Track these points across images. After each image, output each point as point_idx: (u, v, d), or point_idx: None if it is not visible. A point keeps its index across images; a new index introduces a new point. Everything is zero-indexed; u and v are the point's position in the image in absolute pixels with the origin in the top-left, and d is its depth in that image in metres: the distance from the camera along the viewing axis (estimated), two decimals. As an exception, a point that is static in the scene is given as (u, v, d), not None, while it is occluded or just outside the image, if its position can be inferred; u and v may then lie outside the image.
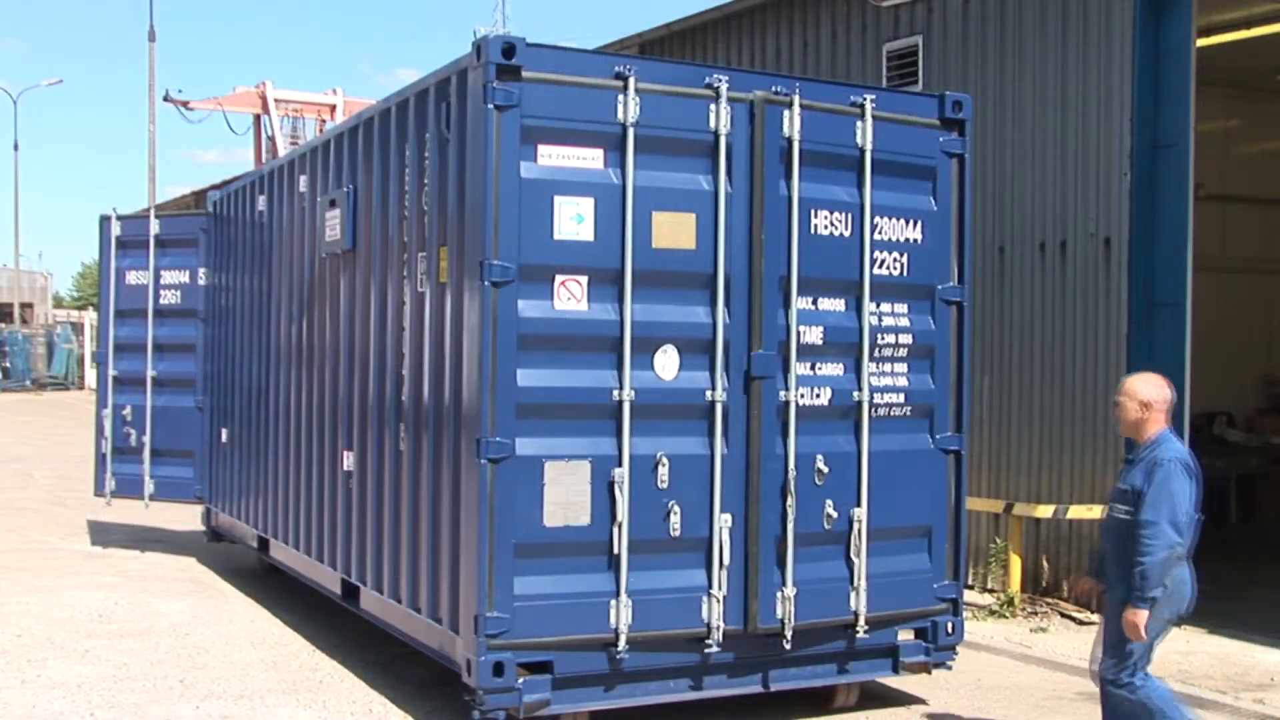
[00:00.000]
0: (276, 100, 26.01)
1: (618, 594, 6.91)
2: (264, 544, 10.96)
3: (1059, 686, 8.55)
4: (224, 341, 12.26)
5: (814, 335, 7.42)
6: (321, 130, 23.27)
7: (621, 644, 6.90)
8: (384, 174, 8.25)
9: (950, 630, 7.90)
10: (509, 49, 6.68)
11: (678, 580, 7.07)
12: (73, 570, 12.08)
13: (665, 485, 7.01)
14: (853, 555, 7.51)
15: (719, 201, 7.13)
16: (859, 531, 7.49)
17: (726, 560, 7.12)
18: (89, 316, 48.50)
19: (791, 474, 7.28)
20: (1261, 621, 10.22)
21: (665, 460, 7.01)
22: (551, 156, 6.83)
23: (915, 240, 7.77)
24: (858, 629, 7.50)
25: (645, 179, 6.98)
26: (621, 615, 6.90)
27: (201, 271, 12.90)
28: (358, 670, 8.60)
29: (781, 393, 7.30)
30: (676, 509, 7.03)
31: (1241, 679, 8.80)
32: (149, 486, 13.08)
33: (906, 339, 7.75)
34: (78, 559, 12.76)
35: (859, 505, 7.51)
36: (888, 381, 7.63)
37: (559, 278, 6.85)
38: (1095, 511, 10.42)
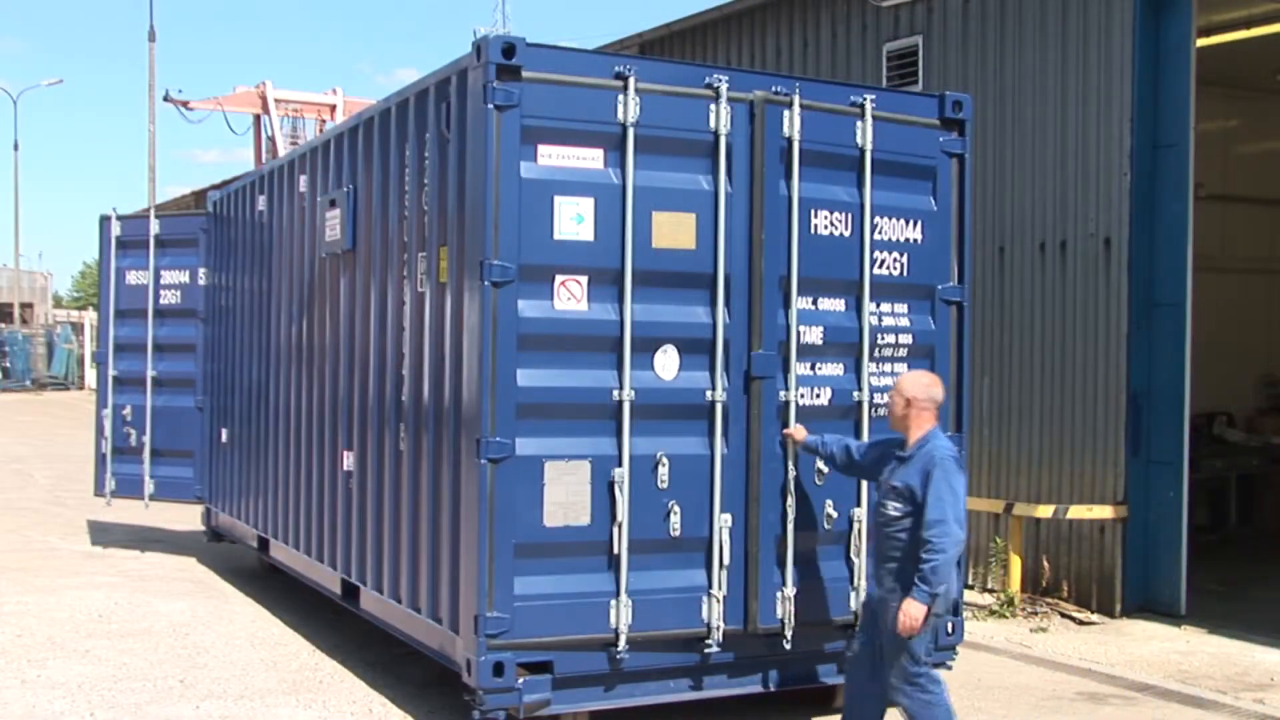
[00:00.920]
0: (276, 100, 26.02)
1: (618, 594, 6.91)
2: (264, 544, 10.96)
3: (1059, 686, 8.55)
4: (224, 341, 12.26)
5: (814, 335, 7.42)
6: (321, 130, 23.28)
7: (621, 644, 6.90)
8: (384, 174, 8.25)
9: (950, 630, 7.89)
10: (509, 49, 6.68)
11: (678, 580, 7.07)
12: (73, 570, 12.08)
13: (665, 485, 7.01)
14: (853, 555, 7.52)
15: (719, 201, 7.12)
16: (859, 531, 7.49)
17: (726, 560, 7.11)
18: (89, 316, 48.50)
19: (791, 474, 7.28)
20: (1261, 621, 10.22)
21: (665, 460, 7.01)
22: (551, 156, 6.83)
23: (915, 240, 7.76)
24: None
25: (645, 179, 6.98)
26: (621, 615, 6.90)
27: (201, 271, 12.89)
28: (358, 670, 8.60)
29: (781, 393, 7.29)
30: (676, 509, 7.03)
31: (1241, 679, 8.80)
32: (149, 486, 13.07)
33: (906, 339, 7.75)
34: (78, 559, 12.76)
35: (859, 505, 7.51)
36: (888, 382, 7.63)
37: (559, 278, 6.85)
38: (1095, 511, 10.43)
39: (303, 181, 9.97)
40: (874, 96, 7.64)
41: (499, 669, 6.67)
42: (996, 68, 11.42)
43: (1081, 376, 10.74)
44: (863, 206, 7.56)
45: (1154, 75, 10.46)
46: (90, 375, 42.40)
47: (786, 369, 7.30)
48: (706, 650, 7.11)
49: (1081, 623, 10.30)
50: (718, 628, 7.09)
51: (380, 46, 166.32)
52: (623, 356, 6.93)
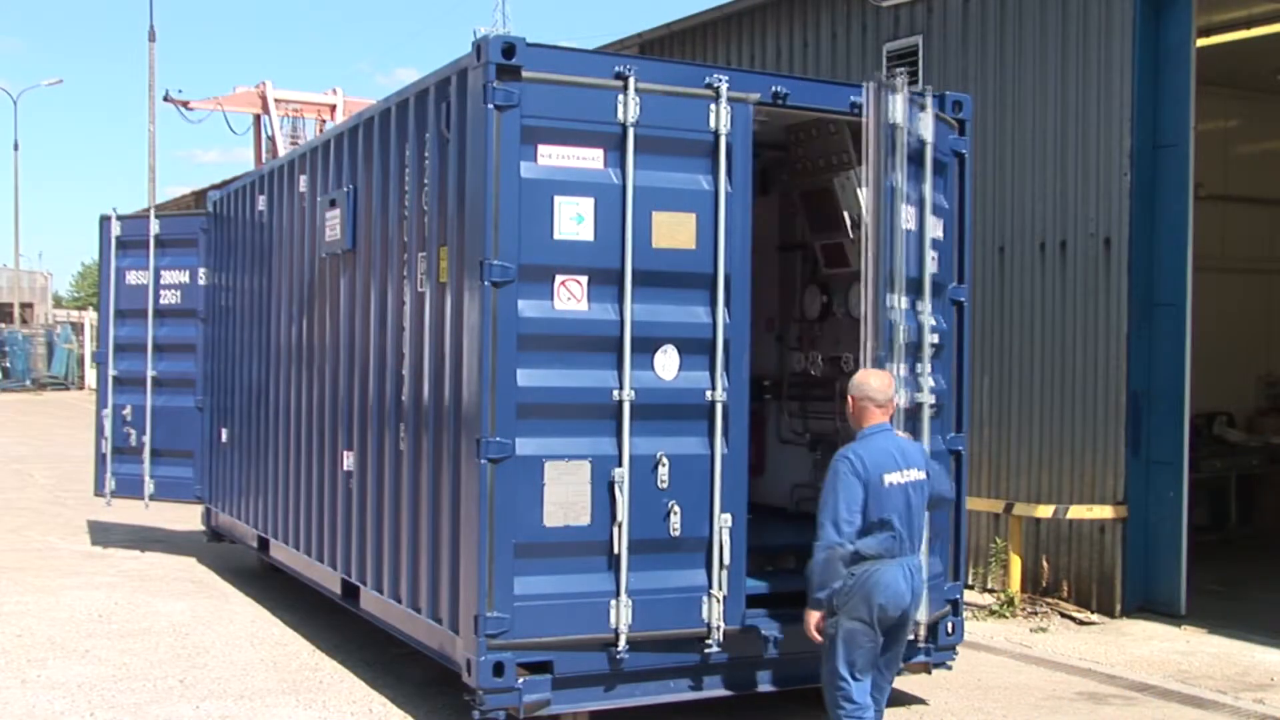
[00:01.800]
0: (276, 100, 25.98)
1: (618, 594, 6.91)
2: (264, 544, 10.96)
3: (1059, 686, 8.55)
4: (224, 341, 12.26)
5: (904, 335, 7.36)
6: (321, 130, 23.26)
7: (621, 644, 6.90)
8: (384, 174, 8.25)
9: (950, 630, 7.90)
10: (509, 49, 6.67)
11: (678, 580, 7.07)
12: (73, 570, 12.08)
13: (665, 485, 7.00)
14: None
15: (719, 201, 7.12)
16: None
17: (726, 560, 7.11)
18: (89, 316, 48.47)
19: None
20: (1261, 621, 10.22)
21: (665, 460, 7.00)
22: (551, 156, 6.83)
23: (940, 238, 7.78)
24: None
25: (645, 179, 6.97)
26: (621, 615, 6.90)
27: (201, 271, 12.89)
28: (358, 670, 8.60)
29: None
30: (676, 509, 7.03)
31: (1241, 679, 8.80)
32: (149, 486, 13.07)
33: (935, 338, 7.73)
34: (78, 559, 12.76)
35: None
36: (933, 382, 7.62)
37: (559, 278, 6.84)
38: (1095, 511, 10.43)
39: (303, 181, 9.97)
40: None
41: (499, 669, 6.67)
42: (996, 68, 11.42)
43: (1081, 376, 10.74)
44: (922, 202, 7.55)
45: (1154, 75, 10.46)
46: (90, 375, 42.38)
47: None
48: (706, 650, 7.11)
49: (1081, 623, 10.30)
50: (718, 628, 7.09)
51: (380, 46, 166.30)
52: (623, 356, 6.93)
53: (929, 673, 7.96)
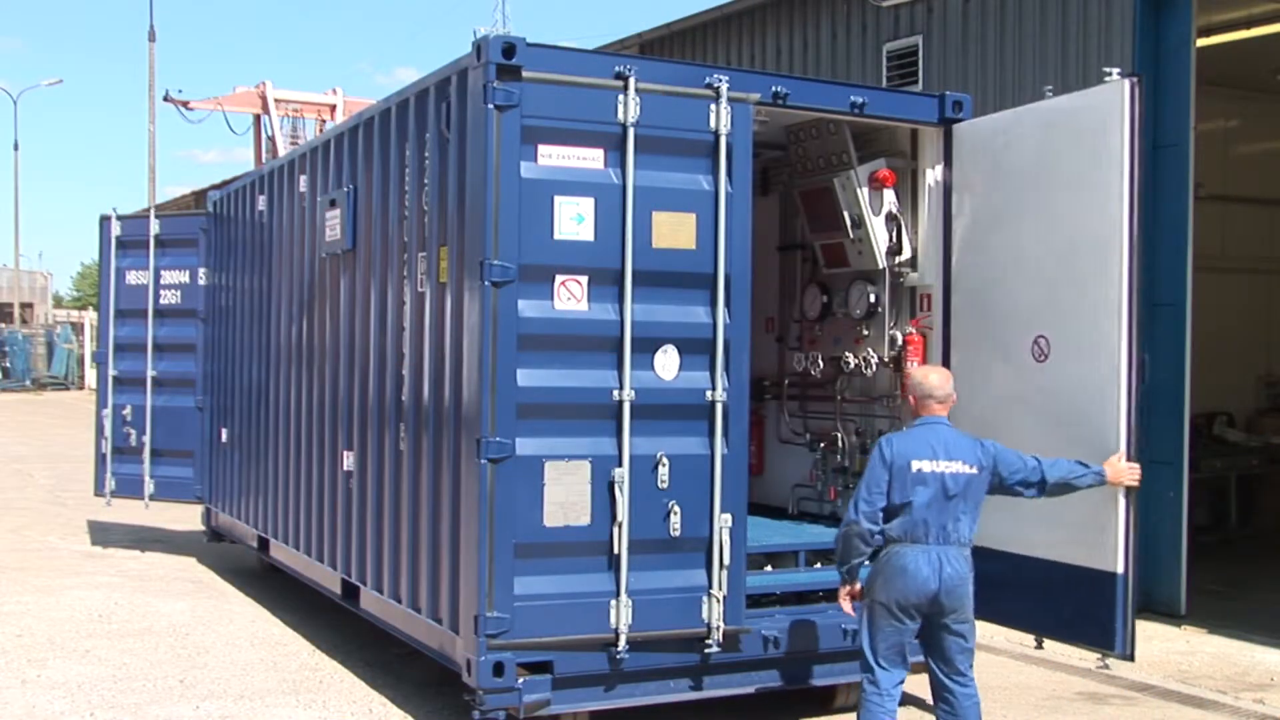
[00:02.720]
0: (276, 100, 25.95)
1: (618, 594, 6.91)
2: (264, 544, 10.96)
3: (1059, 687, 8.55)
4: (224, 341, 12.26)
5: None
6: (321, 130, 23.25)
7: (621, 644, 6.90)
8: (384, 174, 8.25)
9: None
10: (509, 49, 6.67)
11: (678, 580, 7.06)
12: (73, 570, 12.08)
13: (665, 485, 7.00)
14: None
15: (719, 201, 7.12)
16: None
17: (727, 560, 7.11)
18: (89, 316, 48.50)
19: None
20: (1261, 621, 10.23)
21: (665, 460, 7.00)
22: (552, 156, 6.83)
23: None
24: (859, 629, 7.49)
25: (645, 179, 6.97)
26: (621, 615, 6.90)
27: (201, 271, 12.90)
28: (358, 670, 8.61)
29: None
30: (676, 509, 7.03)
31: (1241, 679, 8.80)
32: (149, 486, 13.07)
33: None
34: (78, 559, 12.76)
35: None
36: None
37: (559, 278, 6.84)
38: (1095, 511, 10.40)
39: (303, 181, 9.97)
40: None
41: (499, 669, 6.67)
42: (996, 68, 11.42)
43: (1081, 376, 10.71)
44: None
45: (1154, 75, 10.46)
46: (90, 375, 42.40)
47: None
48: (706, 650, 7.11)
49: (1081, 623, 10.29)
50: (718, 628, 7.09)
51: (380, 46, 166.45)
52: (623, 356, 6.92)
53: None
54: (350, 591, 8.83)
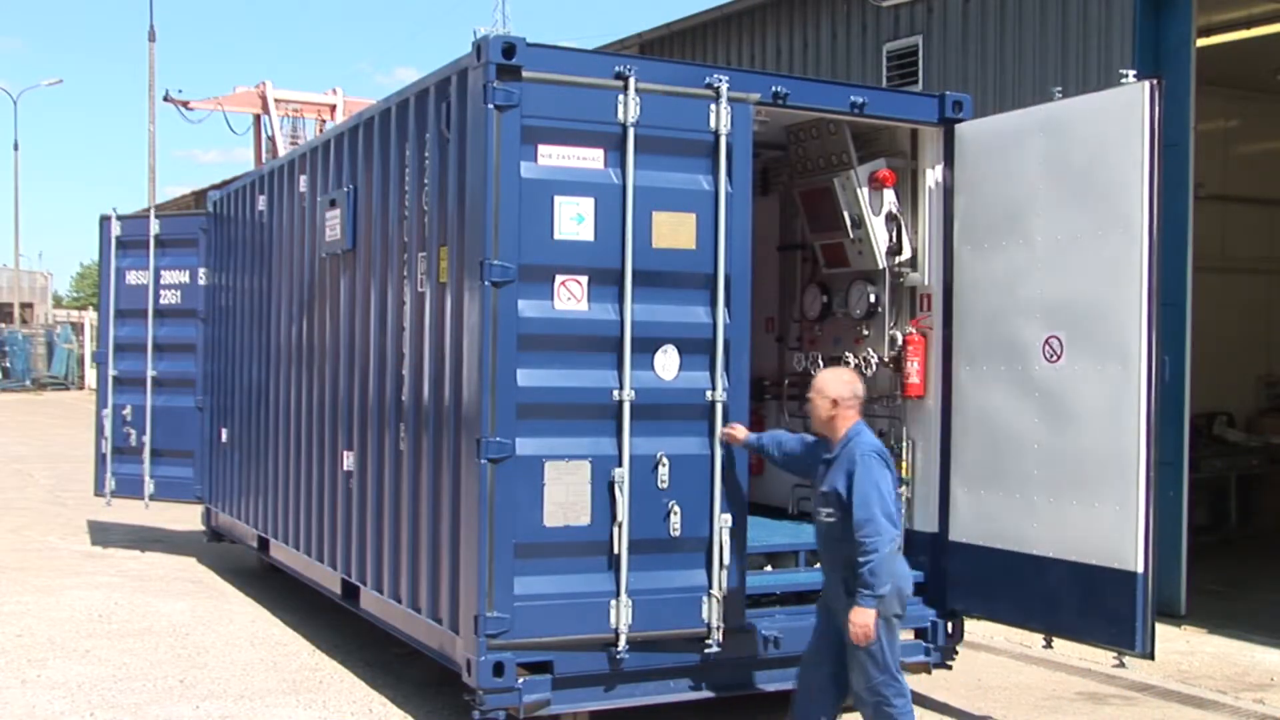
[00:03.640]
0: (276, 100, 25.96)
1: (618, 594, 6.91)
2: (264, 544, 10.96)
3: (1059, 687, 8.55)
4: (224, 341, 12.26)
5: None
6: (321, 130, 23.26)
7: (621, 644, 6.90)
8: (384, 174, 8.25)
9: (950, 630, 7.90)
10: (509, 49, 6.67)
11: (678, 580, 7.07)
12: (73, 570, 12.08)
13: (665, 485, 7.01)
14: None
15: (719, 201, 7.12)
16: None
17: (726, 560, 7.11)
18: (89, 316, 48.51)
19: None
20: (1261, 621, 10.23)
21: (665, 460, 7.00)
22: (552, 156, 6.83)
23: None
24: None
25: (645, 179, 6.97)
26: (621, 615, 6.90)
27: (201, 271, 12.90)
28: (358, 670, 8.61)
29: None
30: (676, 509, 7.03)
31: (1241, 679, 8.80)
32: (149, 486, 13.07)
33: None
34: (78, 559, 12.76)
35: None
36: None
37: (559, 278, 6.84)
38: (1095, 511, 10.40)
39: (303, 181, 9.97)
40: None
41: (499, 669, 6.67)
42: (996, 68, 11.42)
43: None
44: None
45: (1154, 75, 10.45)
46: (90, 375, 42.41)
47: None
48: (706, 650, 7.11)
49: (1081, 623, 10.29)
50: (718, 628, 7.09)
51: (380, 46, 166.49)
52: (623, 356, 6.93)
53: (929, 673, 7.96)
54: (350, 591, 8.83)
